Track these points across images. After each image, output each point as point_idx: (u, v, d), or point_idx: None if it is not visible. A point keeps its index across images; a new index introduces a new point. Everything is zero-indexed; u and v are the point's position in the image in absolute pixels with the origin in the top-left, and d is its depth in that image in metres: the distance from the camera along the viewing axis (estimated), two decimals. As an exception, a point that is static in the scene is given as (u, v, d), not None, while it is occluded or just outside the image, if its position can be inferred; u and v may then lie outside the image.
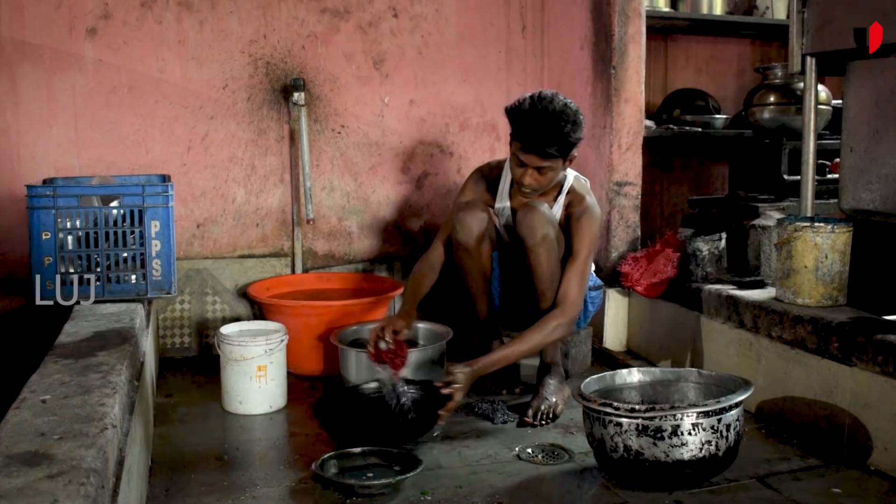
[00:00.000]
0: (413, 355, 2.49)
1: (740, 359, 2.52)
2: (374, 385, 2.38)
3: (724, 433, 1.90)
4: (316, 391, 2.68)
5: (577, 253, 2.38)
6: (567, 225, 2.44)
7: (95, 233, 2.43)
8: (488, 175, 2.61)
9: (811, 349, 2.26)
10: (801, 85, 2.69)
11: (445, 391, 2.14)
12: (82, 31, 2.89)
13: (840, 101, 2.68)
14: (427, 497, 1.90)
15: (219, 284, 3.07)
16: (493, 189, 2.59)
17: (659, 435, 1.87)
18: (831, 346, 2.19)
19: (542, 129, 2.25)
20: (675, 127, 3.57)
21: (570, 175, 2.51)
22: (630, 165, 3.13)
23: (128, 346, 1.91)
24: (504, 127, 2.69)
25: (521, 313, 2.62)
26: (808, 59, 2.58)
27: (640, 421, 1.88)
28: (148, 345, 2.34)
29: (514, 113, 2.32)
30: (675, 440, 1.86)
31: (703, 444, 1.87)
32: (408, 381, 2.36)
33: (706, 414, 1.88)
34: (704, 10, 3.68)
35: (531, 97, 2.31)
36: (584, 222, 2.41)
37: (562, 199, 2.48)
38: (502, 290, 2.67)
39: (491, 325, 2.65)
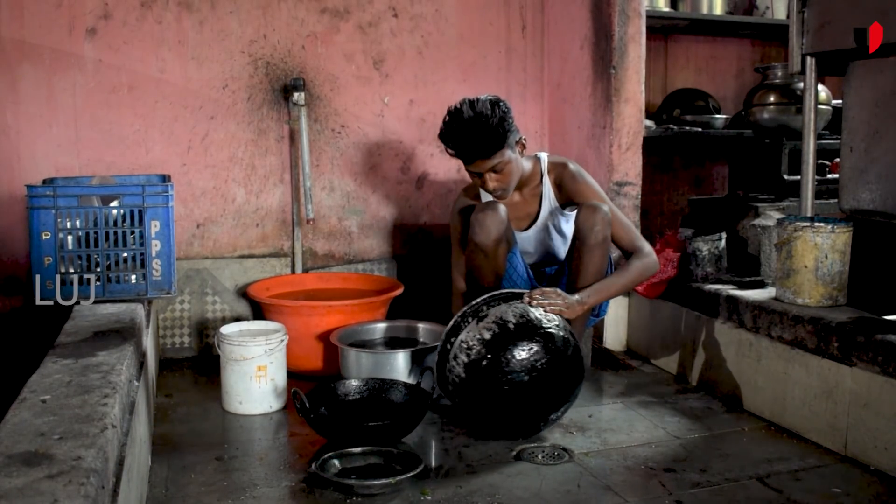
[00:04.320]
0: (413, 356, 2.51)
1: (740, 359, 2.52)
2: (355, 383, 2.40)
3: None
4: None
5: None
6: (567, 197, 2.54)
7: (95, 233, 2.42)
8: (469, 194, 2.68)
9: (811, 349, 2.26)
10: (801, 85, 2.69)
11: (554, 309, 2.24)
12: (82, 31, 2.89)
13: (840, 101, 2.68)
14: (427, 497, 1.90)
15: (219, 284, 3.07)
16: (477, 201, 2.63)
17: None
18: (831, 346, 2.19)
19: (468, 137, 2.33)
20: (675, 127, 3.57)
21: (543, 156, 2.60)
22: (630, 165, 3.13)
23: (128, 346, 1.91)
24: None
25: None
26: (808, 59, 2.58)
27: None
28: (148, 345, 2.34)
29: (443, 137, 2.41)
30: None
31: None
32: (392, 382, 2.39)
33: None
34: (704, 10, 3.68)
35: (448, 115, 2.39)
36: (581, 180, 2.53)
37: (547, 180, 2.56)
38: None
39: None
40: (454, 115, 2.36)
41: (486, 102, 2.35)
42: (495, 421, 2.23)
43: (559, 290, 2.30)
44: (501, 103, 2.37)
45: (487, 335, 2.17)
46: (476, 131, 2.31)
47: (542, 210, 2.57)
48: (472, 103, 2.35)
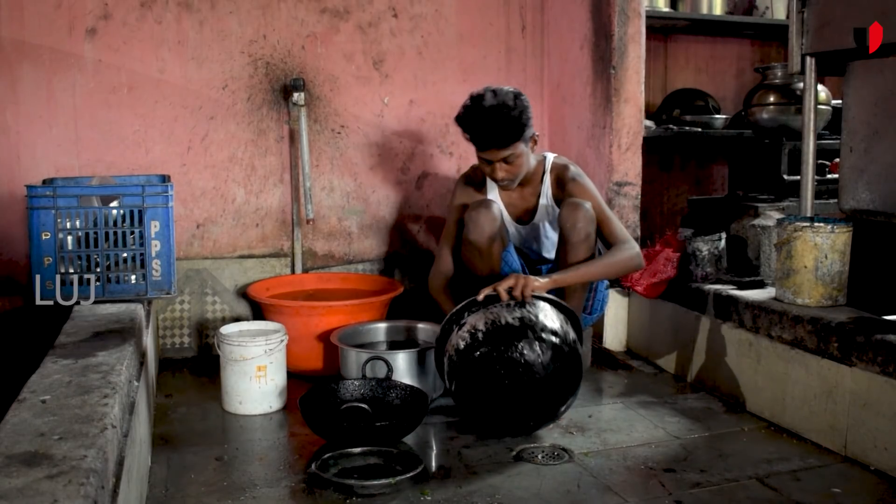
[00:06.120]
0: (413, 356, 2.51)
1: (740, 359, 2.52)
2: (355, 383, 2.40)
3: None
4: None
5: (594, 206, 2.47)
6: (565, 198, 2.54)
7: (95, 233, 2.42)
8: (474, 177, 2.69)
9: (811, 349, 2.26)
10: (801, 85, 2.69)
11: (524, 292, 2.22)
12: (82, 31, 2.89)
13: (840, 101, 2.68)
14: (427, 497, 1.90)
15: (219, 284, 3.07)
16: (480, 190, 2.66)
17: None
18: (831, 346, 2.19)
19: (487, 124, 2.35)
20: (675, 127, 3.57)
21: (550, 156, 2.62)
22: (630, 165, 3.13)
23: (128, 347, 1.91)
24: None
25: None
26: (808, 59, 2.58)
27: None
28: (148, 345, 2.34)
29: (461, 120, 2.42)
30: None
31: None
32: (392, 383, 2.39)
33: None
34: (704, 10, 3.68)
35: (469, 100, 2.41)
36: (579, 182, 2.54)
37: (548, 178, 2.58)
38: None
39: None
40: (476, 99, 2.39)
41: (510, 93, 2.38)
42: (488, 418, 2.25)
43: (518, 274, 2.27)
44: (523, 97, 2.41)
45: (482, 331, 2.19)
46: (496, 119, 2.34)
47: (539, 207, 2.59)
48: (494, 91, 2.38)
